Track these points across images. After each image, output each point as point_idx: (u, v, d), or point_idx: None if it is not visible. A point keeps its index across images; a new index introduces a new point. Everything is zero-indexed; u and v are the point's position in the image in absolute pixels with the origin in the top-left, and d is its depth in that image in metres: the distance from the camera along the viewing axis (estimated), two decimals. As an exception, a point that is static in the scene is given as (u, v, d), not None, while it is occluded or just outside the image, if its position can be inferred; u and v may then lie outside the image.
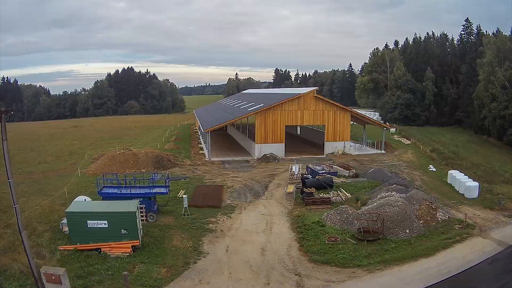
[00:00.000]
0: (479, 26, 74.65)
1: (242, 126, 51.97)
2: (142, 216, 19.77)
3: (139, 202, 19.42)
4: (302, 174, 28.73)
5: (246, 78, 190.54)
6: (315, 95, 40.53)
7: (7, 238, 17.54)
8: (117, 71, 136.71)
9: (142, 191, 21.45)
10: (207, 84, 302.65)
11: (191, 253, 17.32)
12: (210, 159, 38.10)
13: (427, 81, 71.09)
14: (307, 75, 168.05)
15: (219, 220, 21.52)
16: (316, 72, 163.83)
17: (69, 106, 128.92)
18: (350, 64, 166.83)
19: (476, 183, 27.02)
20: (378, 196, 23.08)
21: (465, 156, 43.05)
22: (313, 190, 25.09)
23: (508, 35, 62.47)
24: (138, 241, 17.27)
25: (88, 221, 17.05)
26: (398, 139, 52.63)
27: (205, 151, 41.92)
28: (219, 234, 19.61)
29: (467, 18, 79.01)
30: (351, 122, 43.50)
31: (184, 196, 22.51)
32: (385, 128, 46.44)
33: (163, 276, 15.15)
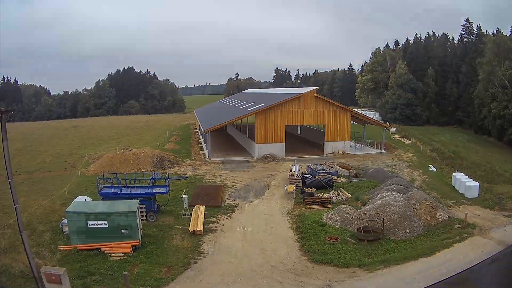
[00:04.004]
0: (479, 26, 74.77)
1: (242, 126, 51.98)
2: (142, 216, 19.80)
3: (139, 202, 19.44)
4: (302, 174, 28.74)
5: (247, 78, 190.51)
6: (315, 95, 40.52)
7: (7, 238, 17.56)
8: (118, 70, 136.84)
9: (142, 191, 21.48)
10: (207, 84, 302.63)
11: (191, 253, 17.34)
12: (210, 159, 38.09)
13: (428, 81, 71.12)
14: (308, 74, 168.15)
15: (219, 220, 21.54)
16: (316, 71, 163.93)
17: (70, 106, 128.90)
18: (351, 63, 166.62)
19: (476, 183, 27.04)
20: (378, 196, 23.09)
21: (465, 156, 43.03)
22: (313, 190, 25.09)
23: (508, 34, 62.52)
24: (138, 241, 17.29)
25: (88, 221, 17.08)
26: (398, 139, 52.60)
27: (205, 151, 41.92)
28: (219, 234, 19.62)
29: (467, 18, 79.03)
30: (351, 122, 43.48)
31: (184, 196, 22.52)
32: (385, 128, 46.43)
33: (163, 276, 15.18)
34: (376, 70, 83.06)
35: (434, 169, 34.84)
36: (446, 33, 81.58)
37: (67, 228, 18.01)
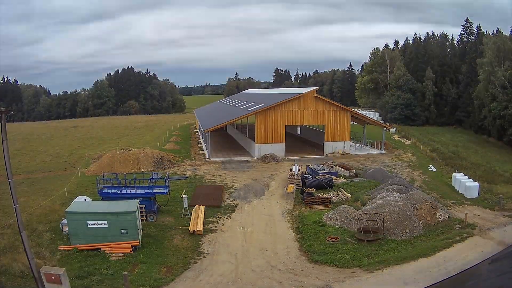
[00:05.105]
0: (479, 26, 74.85)
1: (242, 126, 51.98)
2: (142, 216, 19.80)
3: (139, 202, 19.45)
4: (302, 174, 28.74)
5: (246, 78, 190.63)
6: (315, 95, 40.51)
7: (7, 238, 17.56)
8: (117, 71, 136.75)
9: (142, 191, 21.47)
10: (207, 84, 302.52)
11: (191, 253, 17.33)
12: (210, 159, 38.09)
13: (427, 81, 71.17)
14: (307, 75, 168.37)
15: (219, 220, 21.54)
16: (316, 72, 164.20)
17: (69, 106, 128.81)
18: (350, 64, 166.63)
19: (476, 183, 27.05)
20: (378, 196, 23.09)
21: (465, 156, 43.08)
22: (313, 190, 25.10)
23: (508, 34, 62.55)
24: (138, 241, 17.29)
25: (88, 221, 17.08)
26: (398, 139, 52.63)
27: (205, 151, 41.91)
28: (219, 234, 19.62)
29: (467, 18, 79.17)
30: (351, 122, 43.48)
31: (184, 196, 22.52)
32: (385, 128, 46.44)
33: (163, 276, 15.18)
34: (376, 71, 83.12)
35: (434, 169, 34.85)
36: (445, 32, 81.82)
37: (67, 228, 18.01)
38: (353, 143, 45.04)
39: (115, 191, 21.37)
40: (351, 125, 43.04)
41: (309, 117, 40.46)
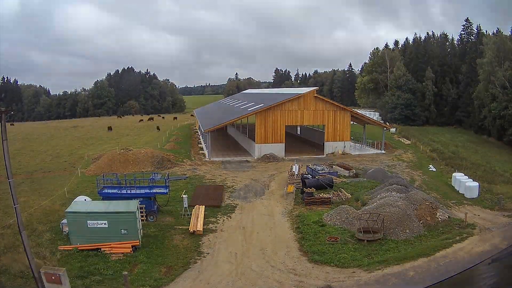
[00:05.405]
0: (479, 26, 74.89)
1: (242, 126, 51.99)
2: (142, 216, 19.81)
3: (139, 202, 19.46)
4: (302, 174, 28.74)
5: (246, 78, 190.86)
6: (315, 95, 40.52)
7: (7, 238, 17.56)
8: (117, 71, 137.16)
9: (142, 191, 21.47)
10: (207, 84, 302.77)
11: (191, 253, 17.34)
12: (210, 159, 38.09)
13: (427, 81, 71.19)
14: (307, 75, 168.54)
15: (219, 220, 21.54)
16: (316, 72, 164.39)
17: (69, 106, 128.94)
18: (350, 64, 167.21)
19: (476, 183, 27.05)
20: (378, 196, 23.08)
21: (465, 156, 43.10)
22: (313, 190, 25.10)
23: (508, 34, 62.59)
24: (138, 241, 17.29)
25: (88, 221, 17.08)
26: (398, 139, 52.63)
27: (205, 151, 41.92)
28: (219, 234, 19.62)
29: (467, 18, 79.21)
30: (351, 122, 43.50)
31: (184, 196, 22.53)
32: (385, 128, 46.45)
33: (163, 276, 15.18)
34: (376, 71, 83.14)
35: (434, 169, 34.85)
36: (445, 33, 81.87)
37: (67, 228, 18.02)
38: (353, 143, 45.05)
39: (115, 191, 21.36)
40: (351, 125, 43.06)
41: (309, 117, 40.47)
